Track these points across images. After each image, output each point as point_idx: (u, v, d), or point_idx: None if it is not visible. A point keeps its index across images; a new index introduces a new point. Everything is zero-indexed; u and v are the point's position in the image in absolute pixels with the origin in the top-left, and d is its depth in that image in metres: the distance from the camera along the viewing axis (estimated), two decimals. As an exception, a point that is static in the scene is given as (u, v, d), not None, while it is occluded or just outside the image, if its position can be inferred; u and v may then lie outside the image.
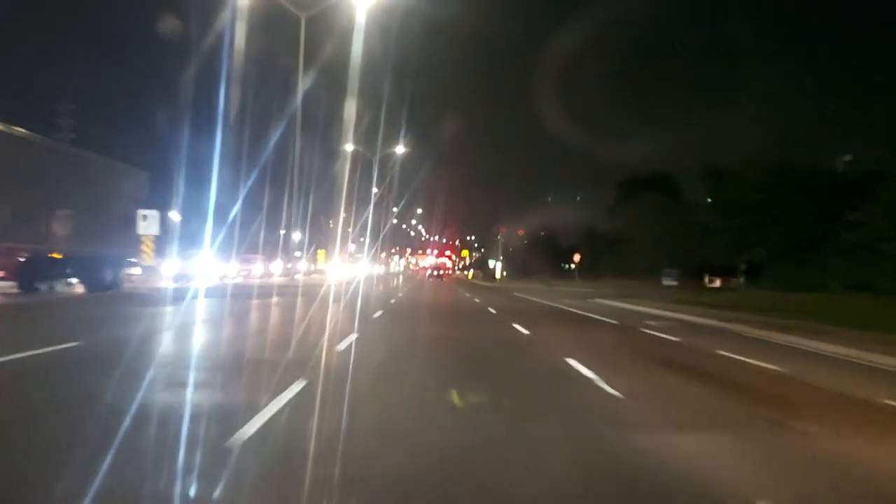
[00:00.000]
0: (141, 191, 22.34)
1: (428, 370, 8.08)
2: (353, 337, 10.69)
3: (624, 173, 69.10)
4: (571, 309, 23.56)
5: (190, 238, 34.53)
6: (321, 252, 36.59)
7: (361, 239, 66.62)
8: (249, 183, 32.03)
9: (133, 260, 22.86)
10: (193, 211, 37.25)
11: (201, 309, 16.67)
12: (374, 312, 16.76)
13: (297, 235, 60.11)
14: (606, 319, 18.54)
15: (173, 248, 30.53)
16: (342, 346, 9.63)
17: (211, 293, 21.62)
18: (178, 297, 19.91)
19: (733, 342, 13.03)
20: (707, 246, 43.60)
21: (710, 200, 44.86)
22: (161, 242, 30.99)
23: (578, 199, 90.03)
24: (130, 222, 21.64)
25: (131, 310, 15.64)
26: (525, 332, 13.70)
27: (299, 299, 21.38)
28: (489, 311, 20.31)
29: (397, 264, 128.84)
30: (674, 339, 13.42)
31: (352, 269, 59.58)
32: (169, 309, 15.95)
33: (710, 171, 44.05)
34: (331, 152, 42.04)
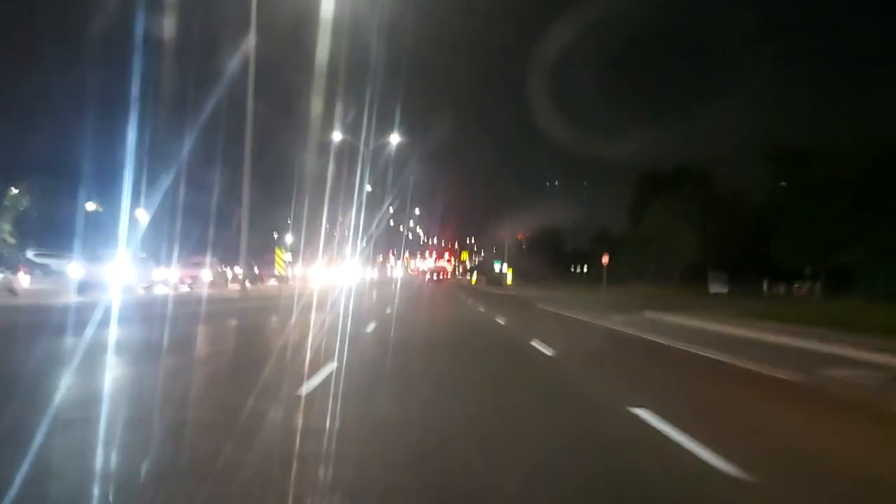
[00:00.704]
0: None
1: None
2: None
3: (631, 170, 61.11)
4: (648, 336, 15.28)
5: (109, 235, 26.13)
6: (279, 251, 28.35)
7: (360, 243, 58.98)
8: (181, 161, 23.95)
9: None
10: (116, 199, 28.79)
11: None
12: (323, 365, 8.27)
13: (281, 236, 52.09)
14: (757, 369, 10.11)
15: (76, 248, 22.32)
16: None
17: (91, 317, 13.28)
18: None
19: None
20: (774, 245, 35.19)
21: (781, 185, 36.26)
22: (69, 240, 22.94)
23: (585, 183, 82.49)
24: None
25: None
26: (701, 452, 4.87)
27: (224, 330, 13.17)
28: (538, 351, 11.71)
29: (394, 268, 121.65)
30: None
31: (341, 275, 51.65)
32: None
33: (779, 152, 35.52)
34: (315, 141, 34.40)
